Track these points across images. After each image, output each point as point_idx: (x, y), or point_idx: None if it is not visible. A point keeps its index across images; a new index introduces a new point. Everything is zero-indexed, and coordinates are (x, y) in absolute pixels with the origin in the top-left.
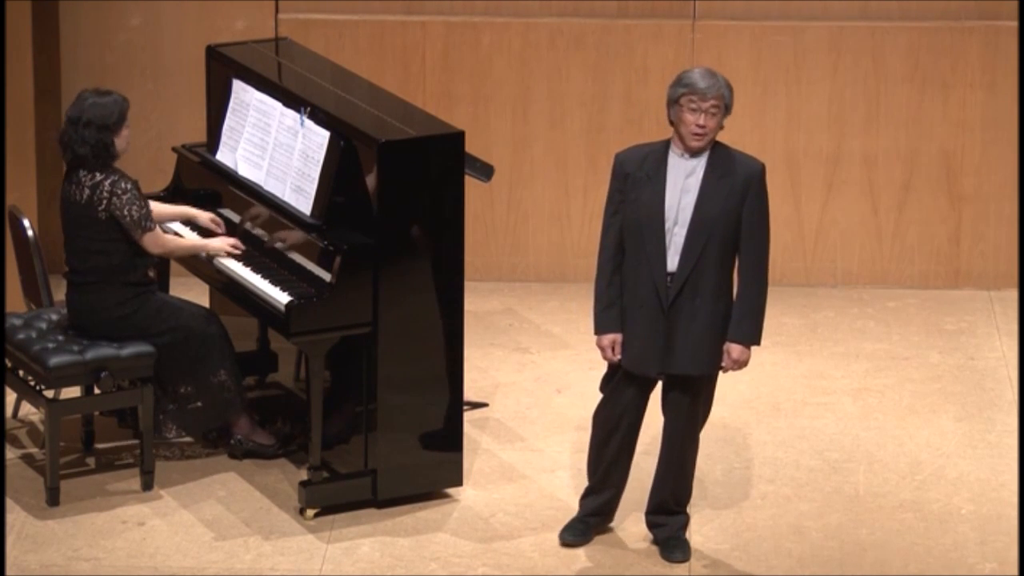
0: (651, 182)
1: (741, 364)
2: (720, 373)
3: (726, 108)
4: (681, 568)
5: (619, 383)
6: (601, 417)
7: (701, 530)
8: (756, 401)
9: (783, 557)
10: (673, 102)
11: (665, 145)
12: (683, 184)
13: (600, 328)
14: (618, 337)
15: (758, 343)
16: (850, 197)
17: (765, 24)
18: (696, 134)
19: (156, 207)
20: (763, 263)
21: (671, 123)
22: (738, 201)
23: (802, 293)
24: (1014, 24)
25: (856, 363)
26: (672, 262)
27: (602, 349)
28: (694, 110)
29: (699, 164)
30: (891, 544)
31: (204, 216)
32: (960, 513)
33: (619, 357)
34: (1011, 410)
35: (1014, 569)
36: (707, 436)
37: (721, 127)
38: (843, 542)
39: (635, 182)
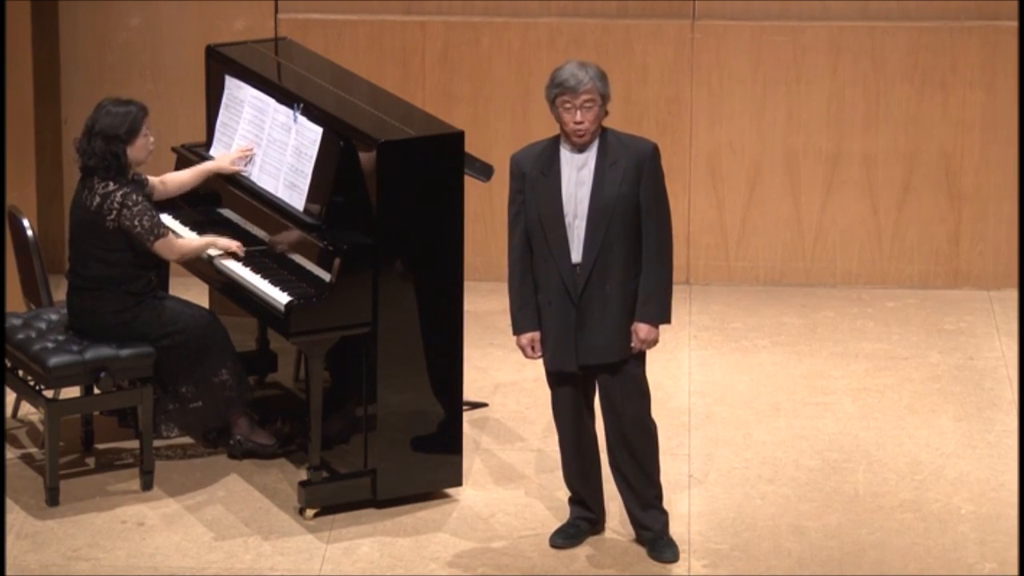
0: (546, 179)
1: (649, 344)
2: (645, 356)
3: (602, 98)
4: (680, 567)
5: (553, 383)
6: (554, 418)
7: (700, 530)
8: (756, 401)
9: (783, 557)
10: (551, 103)
11: (556, 141)
12: (577, 177)
13: (517, 328)
14: (536, 336)
15: (667, 321)
16: (850, 197)
17: (765, 24)
18: (576, 132)
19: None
20: (665, 242)
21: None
22: (632, 185)
23: (802, 293)
24: (1014, 24)
25: (856, 363)
26: (576, 254)
27: (521, 349)
28: (569, 108)
29: (590, 155)
30: (891, 544)
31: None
32: (960, 513)
33: (540, 355)
34: (1010, 410)
35: (1014, 569)
36: (707, 436)
37: (605, 115)
38: (843, 542)
39: (531, 181)
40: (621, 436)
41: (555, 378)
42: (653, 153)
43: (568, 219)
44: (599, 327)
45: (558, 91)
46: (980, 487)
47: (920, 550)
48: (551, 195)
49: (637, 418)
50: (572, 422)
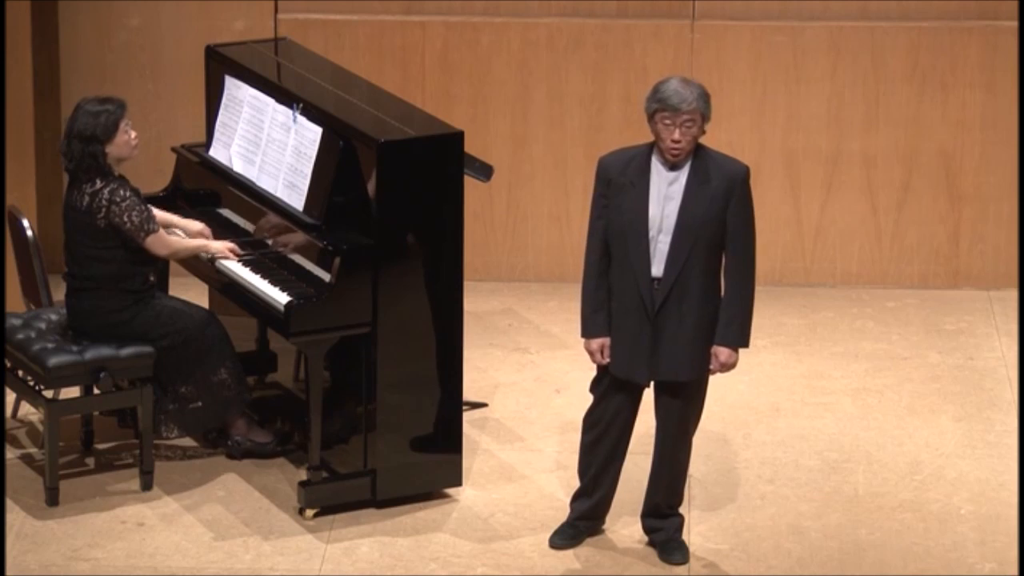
0: (634, 189)
1: (729, 367)
2: (707, 384)
3: (703, 118)
4: (681, 568)
5: (609, 387)
6: (591, 420)
7: (701, 530)
8: (756, 401)
9: (783, 557)
10: (649, 116)
11: (649, 149)
12: (666, 191)
13: (589, 332)
14: (607, 341)
15: (746, 345)
16: (849, 197)
17: (764, 24)
18: (672, 150)
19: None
20: (749, 266)
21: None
22: (722, 206)
23: (801, 293)
24: (1014, 24)
25: (855, 363)
26: (657, 269)
27: (591, 353)
28: (668, 126)
29: (682, 171)
30: (890, 544)
31: (194, 227)
32: (960, 513)
33: (608, 361)
34: (1010, 410)
35: (1014, 569)
36: (707, 436)
37: (703, 133)
38: (842, 542)
39: (618, 188)
40: (669, 443)
41: (618, 385)
42: (745, 176)
43: (652, 232)
44: (673, 344)
45: (659, 107)
46: (980, 487)
47: (920, 550)
48: (637, 206)
49: (685, 442)
50: (619, 429)
